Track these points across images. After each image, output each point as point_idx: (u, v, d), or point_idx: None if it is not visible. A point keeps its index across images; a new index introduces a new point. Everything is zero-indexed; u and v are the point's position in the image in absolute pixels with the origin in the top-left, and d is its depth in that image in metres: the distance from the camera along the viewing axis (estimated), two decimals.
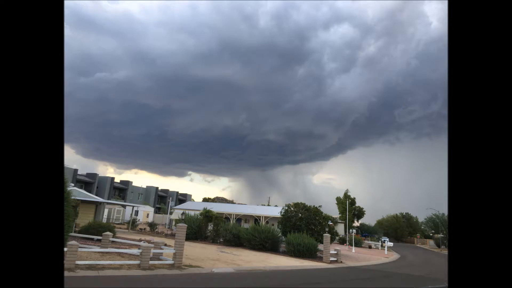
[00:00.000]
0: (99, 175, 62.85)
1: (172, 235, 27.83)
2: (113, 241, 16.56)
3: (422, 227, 78.52)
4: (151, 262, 12.07)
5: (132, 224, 34.99)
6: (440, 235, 61.14)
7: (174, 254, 12.93)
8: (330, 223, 35.88)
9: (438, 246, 58.48)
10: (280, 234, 24.72)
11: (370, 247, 40.87)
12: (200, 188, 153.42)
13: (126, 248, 15.31)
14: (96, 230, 18.67)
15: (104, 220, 36.17)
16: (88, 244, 15.77)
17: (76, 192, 27.94)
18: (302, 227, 28.70)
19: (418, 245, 65.16)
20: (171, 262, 12.73)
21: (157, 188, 75.83)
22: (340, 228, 52.11)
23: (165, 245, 16.86)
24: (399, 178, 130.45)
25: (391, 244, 44.73)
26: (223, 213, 39.34)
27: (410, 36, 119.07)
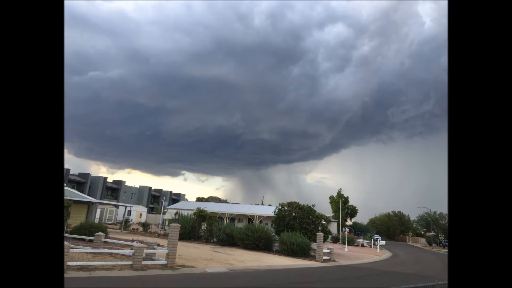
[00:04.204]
0: (92, 175, 62.30)
1: (165, 235, 27.69)
2: (105, 242, 16.42)
3: (414, 226, 79.37)
4: (143, 262, 12.00)
5: (125, 224, 34.73)
6: (432, 234, 61.90)
7: (167, 254, 12.87)
8: (323, 222, 36.15)
9: (430, 244, 59.19)
10: (273, 233, 24.75)
11: (362, 245, 41.19)
12: (193, 187, 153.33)
13: (118, 249, 15.20)
14: (88, 230, 18.49)
15: (97, 221, 35.84)
16: (80, 245, 15.61)
17: (68, 192, 27.64)
18: (296, 226, 28.83)
19: (410, 243, 65.87)
20: (164, 262, 12.67)
21: (150, 188, 75.40)
22: (333, 227, 52.49)
23: (158, 245, 16.77)
24: (392, 177, 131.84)
25: (383, 242, 45.15)
26: (217, 213, 39.29)
27: (404, 36, 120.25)
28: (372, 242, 43.49)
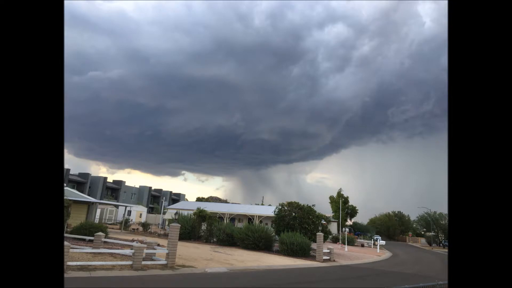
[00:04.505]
0: (92, 175, 62.30)
1: (165, 235, 27.69)
2: (105, 242, 16.43)
3: (414, 226, 79.34)
4: (143, 262, 11.99)
5: (125, 224, 34.73)
6: (432, 233, 61.92)
7: (167, 254, 12.87)
8: (323, 222, 36.17)
9: (430, 244, 59.21)
10: (273, 233, 24.76)
11: (362, 245, 41.19)
12: (193, 187, 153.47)
13: (118, 249, 15.20)
14: (88, 230, 18.49)
15: (97, 221, 35.84)
16: (80, 245, 15.61)
17: (68, 192, 27.65)
18: (296, 226, 28.84)
19: (410, 243, 65.86)
20: (164, 262, 12.67)
21: (150, 187, 75.40)
22: (333, 227, 52.50)
23: (158, 245, 16.77)
24: (392, 177, 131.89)
25: (383, 242, 45.16)
26: (217, 213, 39.30)
27: (404, 36, 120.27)
28: (372, 242, 43.51)
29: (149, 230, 33.71)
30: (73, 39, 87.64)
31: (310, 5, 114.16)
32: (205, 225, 27.17)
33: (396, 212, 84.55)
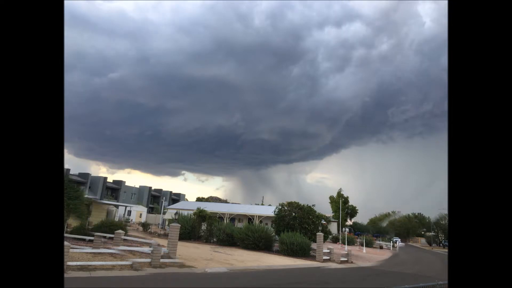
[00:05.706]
0: (92, 175, 62.23)
1: (165, 235, 27.68)
2: (105, 242, 16.43)
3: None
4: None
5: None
6: (432, 234, 61.92)
7: (167, 254, 12.88)
8: (323, 222, 36.14)
9: (430, 244, 59.22)
10: (273, 233, 24.75)
11: (362, 245, 41.16)
12: (193, 187, 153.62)
13: (115, 249, 15.19)
14: (108, 228, 19.56)
15: None
16: (80, 245, 15.62)
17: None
18: (296, 226, 28.81)
19: (410, 243, 65.85)
20: None
21: (150, 187, 75.33)
22: (333, 227, 52.51)
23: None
24: (392, 177, 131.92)
25: (402, 244, 45.02)
26: (217, 213, 39.29)
27: (404, 35, 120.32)
28: (391, 244, 43.42)
29: (149, 230, 33.70)
30: (73, 39, 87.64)
31: (310, 5, 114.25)
32: (205, 225, 27.16)
33: (416, 214, 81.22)
